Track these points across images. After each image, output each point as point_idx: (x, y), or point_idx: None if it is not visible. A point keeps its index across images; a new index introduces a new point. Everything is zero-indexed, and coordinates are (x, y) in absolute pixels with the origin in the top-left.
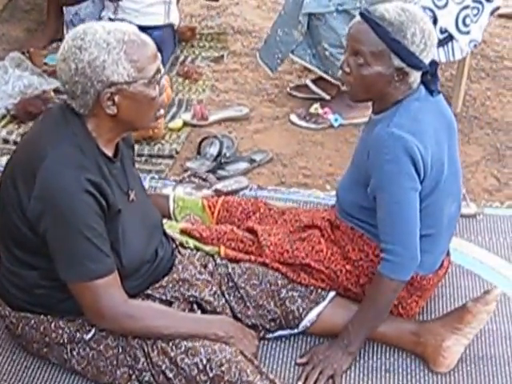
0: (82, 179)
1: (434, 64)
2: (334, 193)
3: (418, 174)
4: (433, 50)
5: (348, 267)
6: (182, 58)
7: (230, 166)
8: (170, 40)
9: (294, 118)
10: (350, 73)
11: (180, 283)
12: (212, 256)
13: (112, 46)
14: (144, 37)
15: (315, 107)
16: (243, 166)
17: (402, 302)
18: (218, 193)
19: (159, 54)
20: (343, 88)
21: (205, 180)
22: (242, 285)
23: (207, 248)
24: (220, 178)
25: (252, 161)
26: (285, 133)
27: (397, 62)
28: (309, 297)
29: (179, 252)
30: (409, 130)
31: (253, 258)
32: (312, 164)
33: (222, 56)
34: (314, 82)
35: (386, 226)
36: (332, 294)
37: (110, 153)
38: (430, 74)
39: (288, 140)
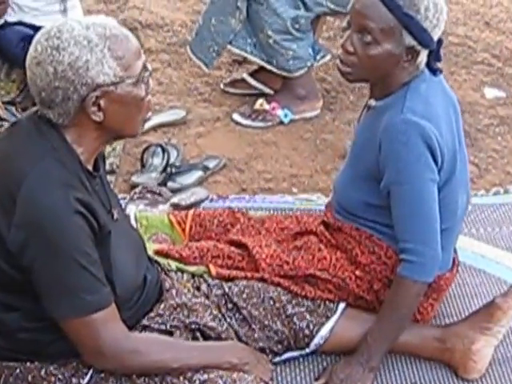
0: (70, 199)
1: (439, 41)
2: (303, 196)
3: (436, 164)
4: (442, 25)
5: (358, 273)
6: None
7: (180, 176)
8: None
9: (237, 117)
10: (354, 52)
11: (178, 310)
12: (201, 277)
13: (94, 43)
14: (125, 30)
15: (260, 103)
16: (196, 175)
17: (418, 306)
18: (176, 207)
19: (141, 49)
20: (343, 68)
21: (159, 194)
22: (243, 305)
23: (192, 269)
24: (174, 191)
25: (205, 168)
26: (231, 134)
27: (408, 40)
28: (317, 311)
29: (167, 275)
30: (423, 115)
31: (249, 274)
32: (271, 166)
33: None
34: (251, 75)
35: (405, 223)
36: (342, 305)
37: (90, 166)
38: (434, 53)
39: (237, 142)
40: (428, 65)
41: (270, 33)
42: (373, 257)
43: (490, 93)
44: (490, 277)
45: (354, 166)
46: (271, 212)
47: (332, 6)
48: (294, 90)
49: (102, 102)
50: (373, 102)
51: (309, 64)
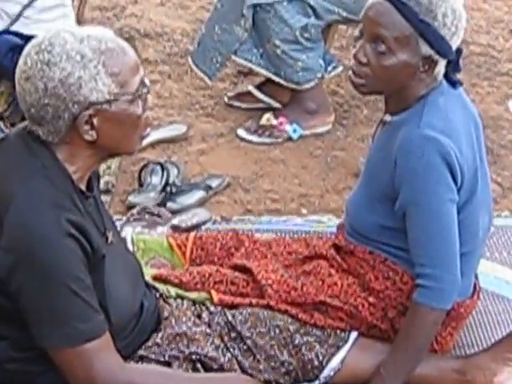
0: (61, 220)
1: (458, 51)
2: (313, 217)
3: (455, 183)
4: (461, 33)
5: (371, 300)
6: None
7: (181, 196)
8: None
9: (242, 132)
10: (367, 63)
11: (177, 339)
12: (203, 304)
13: (88, 59)
14: (122, 43)
15: (267, 117)
16: (198, 195)
17: (436, 335)
18: (176, 230)
19: (139, 63)
20: (355, 80)
21: (157, 216)
22: (248, 334)
23: (193, 295)
24: (173, 212)
25: (208, 188)
26: (235, 152)
27: (424, 49)
28: (328, 341)
29: (165, 302)
30: (442, 130)
31: (253, 300)
32: (278, 186)
33: None
34: (258, 87)
35: (422, 246)
36: (354, 334)
37: (83, 186)
38: (453, 63)
39: (242, 160)
40: (446, 76)
41: (277, 42)
42: (387, 282)
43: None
44: None
45: (367, 186)
46: (278, 234)
47: (344, 14)
48: (304, 104)
49: (95, 121)
50: (388, 117)
51: (319, 76)
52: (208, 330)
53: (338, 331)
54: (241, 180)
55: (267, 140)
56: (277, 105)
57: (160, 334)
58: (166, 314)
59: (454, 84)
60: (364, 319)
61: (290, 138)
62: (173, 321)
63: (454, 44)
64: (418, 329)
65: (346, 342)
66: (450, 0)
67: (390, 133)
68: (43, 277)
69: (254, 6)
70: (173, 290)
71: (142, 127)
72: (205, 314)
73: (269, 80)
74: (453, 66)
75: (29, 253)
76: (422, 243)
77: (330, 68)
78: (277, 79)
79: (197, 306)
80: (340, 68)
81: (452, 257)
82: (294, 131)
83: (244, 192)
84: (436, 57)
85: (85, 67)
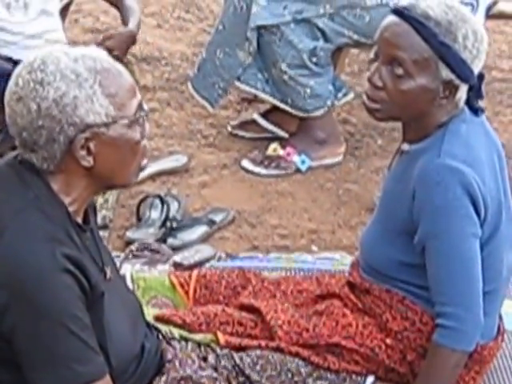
0: (57, 255)
1: (480, 76)
2: (324, 254)
3: (478, 216)
4: (483, 57)
5: (389, 341)
6: None
7: (182, 232)
8: None
9: (247, 164)
10: (383, 87)
11: (182, 383)
12: (208, 346)
13: (83, 78)
14: (118, 65)
15: (274, 148)
16: (201, 230)
17: (458, 380)
18: (178, 267)
19: (136, 87)
20: (370, 105)
21: (157, 252)
22: (257, 378)
23: (197, 337)
24: (175, 249)
25: (211, 223)
26: (240, 184)
27: (445, 73)
28: None
29: (169, 344)
30: (464, 159)
31: (262, 342)
32: (286, 221)
33: None
34: (263, 115)
35: (442, 283)
36: (371, 378)
37: (79, 219)
38: (475, 89)
39: (247, 193)
40: (468, 103)
41: (284, 67)
42: (406, 323)
43: None
44: None
45: (383, 220)
46: (287, 273)
47: (355, 37)
48: (313, 133)
49: (91, 145)
50: (406, 147)
51: (329, 103)
52: (215, 374)
53: (354, 375)
54: (246, 214)
55: (274, 172)
56: (283, 134)
57: (164, 378)
58: (169, 356)
59: (476, 111)
60: (381, 362)
61: (298, 170)
62: (177, 364)
63: (476, 68)
64: (438, 372)
65: None
66: (470, 21)
67: (408, 163)
68: (38, 316)
69: (259, 28)
70: (176, 332)
71: (139, 155)
72: (211, 357)
73: (275, 107)
74: (475, 92)
75: (22, 290)
76: (442, 280)
77: (340, 95)
78: (283, 107)
79: (202, 348)
80: (351, 95)
81: (475, 295)
82: (303, 162)
83: (250, 227)
84: (457, 81)
85: (80, 86)
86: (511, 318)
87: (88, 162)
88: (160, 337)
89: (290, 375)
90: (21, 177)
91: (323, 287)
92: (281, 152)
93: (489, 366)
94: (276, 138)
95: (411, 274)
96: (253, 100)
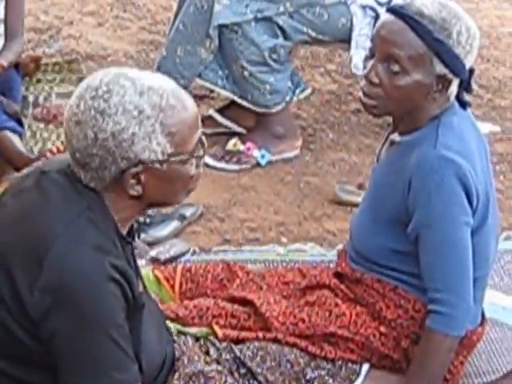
0: (106, 264)
1: (471, 70)
2: (295, 246)
3: (471, 206)
4: (475, 52)
5: (382, 329)
6: (31, 97)
7: (154, 228)
8: (17, 76)
9: (208, 159)
10: (379, 84)
11: (193, 378)
12: (207, 339)
13: (145, 115)
14: (185, 97)
15: (234, 143)
16: (172, 225)
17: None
18: (156, 262)
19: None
20: (367, 102)
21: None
22: (258, 370)
23: (193, 330)
24: (149, 244)
25: (182, 217)
26: (204, 179)
27: (439, 68)
28: (340, 374)
29: (174, 341)
30: (459, 151)
31: (260, 334)
32: (253, 214)
33: None
34: (220, 111)
35: (435, 270)
36: (366, 366)
37: (124, 232)
38: (465, 83)
39: (211, 188)
40: (457, 97)
41: (244, 64)
42: (399, 311)
43: (484, 128)
44: None
45: (374, 209)
46: (263, 265)
47: (314, 34)
48: (272, 128)
49: (142, 177)
50: (397, 137)
51: (288, 99)
52: (220, 368)
53: (350, 363)
54: (214, 209)
55: (235, 167)
56: (239, 129)
57: (176, 375)
58: (177, 354)
59: (464, 105)
60: (376, 350)
61: (258, 164)
62: (185, 360)
63: (468, 63)
64: (432, 357)
65: (359, 374)
66: (464, 18)
67: (401, 153)
68: (82, 322)
69: (221, 26)
70: (172, 326)
71: (192, 183)
72: (212, 351)
73: (232, 103)
74: (465, 86)
75: (69, 295)
76: (435, 267)
77: (298, 90)
78: (243, 103)
79: (201, 341)
80: (308, 90)
81: (466, 282)
82: (263, 157)
83: (219, 221)
84: (450, 76)
85: (141, 124)
86: (487, 303)
87: (136, 191)
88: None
89: (289, 366)
90: (74, 186)
91: (311, 278)
92: (241, 147)
93: (474, 350)
94: (233, 134)
95: (403, 261)
96: (204, 96)
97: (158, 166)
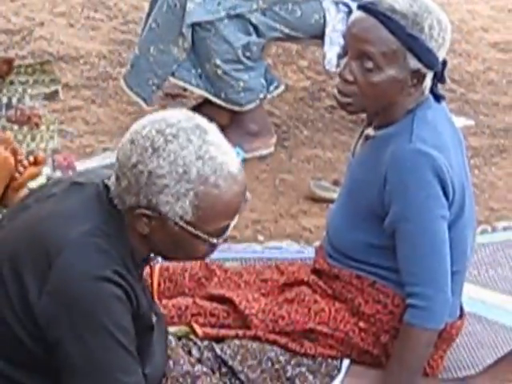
0: (109, 268)
1: (443, 62)
2: (273, 243)
3: (447, 199)
4: (448, 45)
5: (362, 325)
6: (4, 99)
7: None
8: None
9: None
10: (353, 81)
11: (181, 380)
12: (188, 338)
13: (187, 178)
14: (238, 186)
15: None
16: None
17: (428, 358)
18: None
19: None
20: (342, 99)
21: None
22: (239, 368)
23: (172, 329)
24: None
25: None
26: None
27: (413, 63)
28: (320, 370)
29: None
30: (434, 144)
31: (240, 332)
32: None
33: (57, 91)
34: (194, 110)
35: (413, 264)
36: (347, 361)
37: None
38: (439, 75)
39: None
40: (432, 90)
41: (218, 62)
42: (378, 306)
43: (458, 122)
44: (492, 324)
45: (351, 203)
46: (240, 263)
47: (287, 31)
48: (246, 126)
49: (153, 222)
50: (371, 132)
51: (261, 96)
52: (205, 369)
53: (330, 359)
54: None
55: None
56: None
57: (163, 380)
58: None
59: (438, 98)
60: (355, 345)
61: None
62: (171, 363)
63: (441, 56)
64: (411, 351)
65: (339, 370)
66: (435, 11)
67: (376, 148)
68: (89, 325)
69: (194, 24)
70: None
71: (195, 258)
72: (194, 350)
73: (206, 102)
74: (438, 78)
75: (76, 299)
76: (413, 261)
77: (271, 88)
78: (217, 101)
79: (183, 341)
80: (282, 87)
81: (444, 275)
82: (237, 154)
83: None
84: (424, 70)
85: (178, 182)
86: (466, 297)
87: (143, 229)
88: None
89: (269, 364)
90: (100, 199)
91: (289, 275)
92: None
93: (453, 343)
94: None
95: (380, 256)
96: (177, 95)
97: (171, 223)
